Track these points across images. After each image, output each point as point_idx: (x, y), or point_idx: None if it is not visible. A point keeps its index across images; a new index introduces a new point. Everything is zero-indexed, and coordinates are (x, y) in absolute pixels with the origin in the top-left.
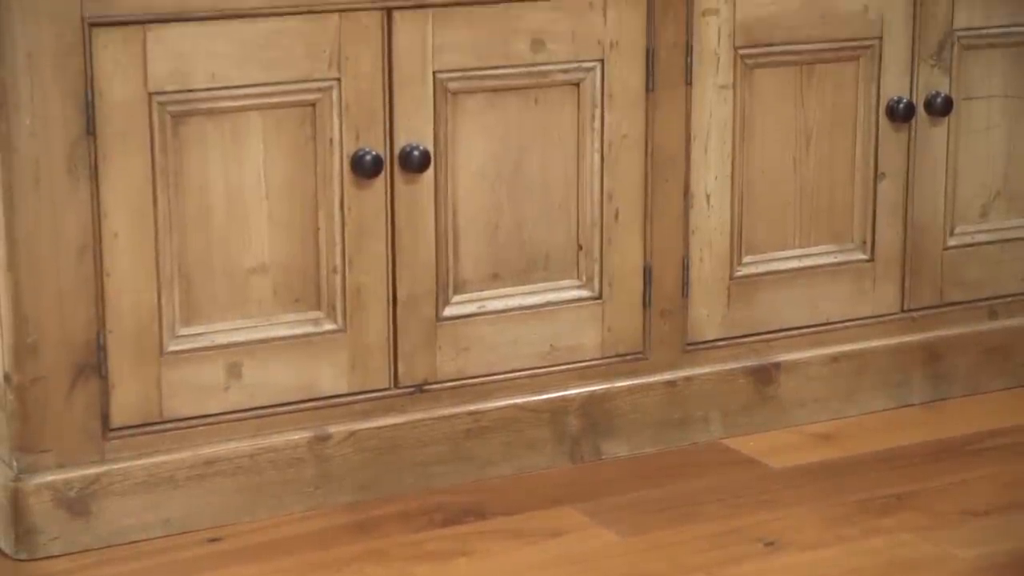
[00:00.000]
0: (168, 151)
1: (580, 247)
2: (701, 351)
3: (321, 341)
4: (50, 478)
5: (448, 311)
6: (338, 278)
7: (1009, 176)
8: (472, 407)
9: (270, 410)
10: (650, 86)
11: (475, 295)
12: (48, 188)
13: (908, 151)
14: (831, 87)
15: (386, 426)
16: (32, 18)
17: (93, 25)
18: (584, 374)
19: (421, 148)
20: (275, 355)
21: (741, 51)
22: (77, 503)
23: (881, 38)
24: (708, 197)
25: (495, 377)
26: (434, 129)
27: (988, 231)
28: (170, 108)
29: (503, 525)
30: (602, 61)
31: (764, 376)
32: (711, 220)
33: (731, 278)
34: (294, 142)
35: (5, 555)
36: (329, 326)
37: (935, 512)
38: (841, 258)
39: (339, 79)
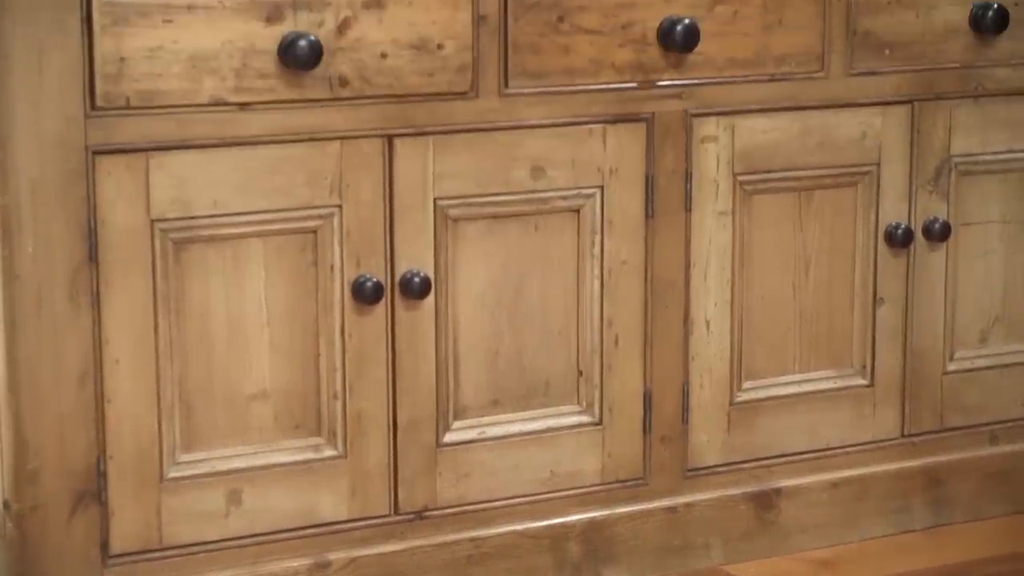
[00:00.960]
0: (170, 277)
1: (580, 373)
2: (701, 477)
3: (321, 468)
4: None
5: (448, 437)
6: (338, 404)
7: (1007, 301)
8: (473, 533)
9: (270, 537)
10: (650, 212)
11: (475, 421)
12: (50, 314)
13: (907, 276)
14: (830, 213)
15: (386, 553)
16: (36, 146)
17: (96, 153)
18: (584, 500)
19: (422, 275)
20: (275, 482)
21: (740, 178)
22: None
23: (879, 164)
24: (708, 323)
25: (496, 503)
26: (435, 255)
27: (987, 356)
28: (172, 235)
29: None
30: (602, 188)
31: (765, 502)
32: (711, 346)
33: (731, 404)
34: (295, 269)
35: None
36: (329, 452)
37: None
38: (841, 383)
39: (340, 206)
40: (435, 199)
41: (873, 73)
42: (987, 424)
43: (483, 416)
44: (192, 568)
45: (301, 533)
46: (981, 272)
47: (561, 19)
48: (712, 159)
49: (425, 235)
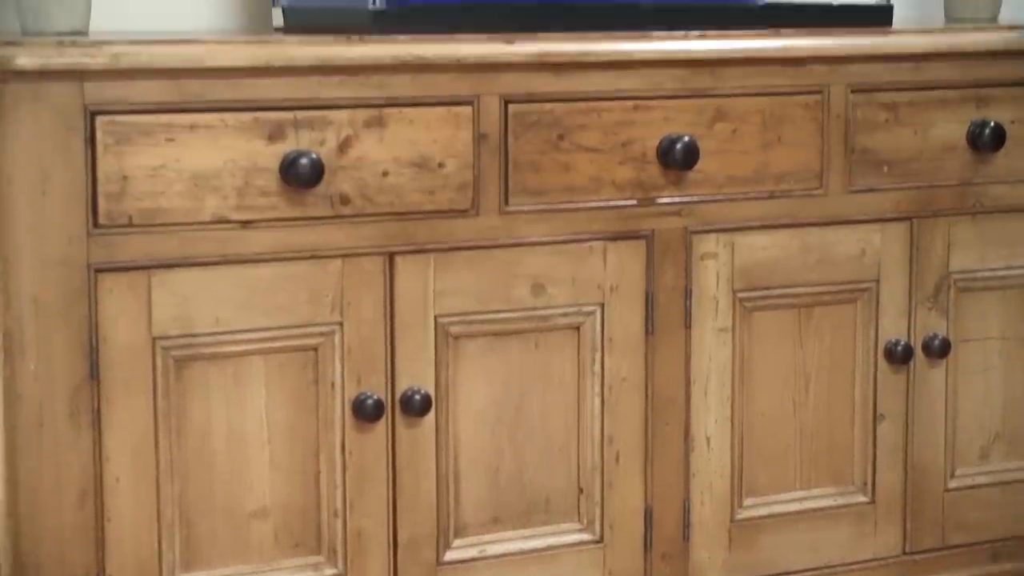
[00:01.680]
0: (171, 395)
1: (581, 490)
2: None
3: None
4: None
5: (449, 555)
6: (339, 522)
7: (1008, 418)
8: None
9: None
10: (650, 329)
11: (476, 539)
12: (51, 432)
13: (907, 393)
14: (829, 329)
15: None
16: (39, 264)
17: (99, 271)
18: None
19: (422, 392)
20: None
21: (740, 294)
22: None
23: (878, 281)
24: (708, 440)
25: None
26: (435, 373)
27: (989, 473)
28: (173, 353)
29: None
30: (602, 305)
31: None
32: (711, 463)
33: (732, 521)
34: (296, 386)
35: None
36: (329, 571)
37: None
38: (842, 501)
39: (341, 323)
40: (436, 316)
41: (872, 190)
42: (989, 541)
43: (484, 534)
44: None
45: None
46: (981, 388)
47: (561, 137)
48: (712, 276)
49: (426, 352)
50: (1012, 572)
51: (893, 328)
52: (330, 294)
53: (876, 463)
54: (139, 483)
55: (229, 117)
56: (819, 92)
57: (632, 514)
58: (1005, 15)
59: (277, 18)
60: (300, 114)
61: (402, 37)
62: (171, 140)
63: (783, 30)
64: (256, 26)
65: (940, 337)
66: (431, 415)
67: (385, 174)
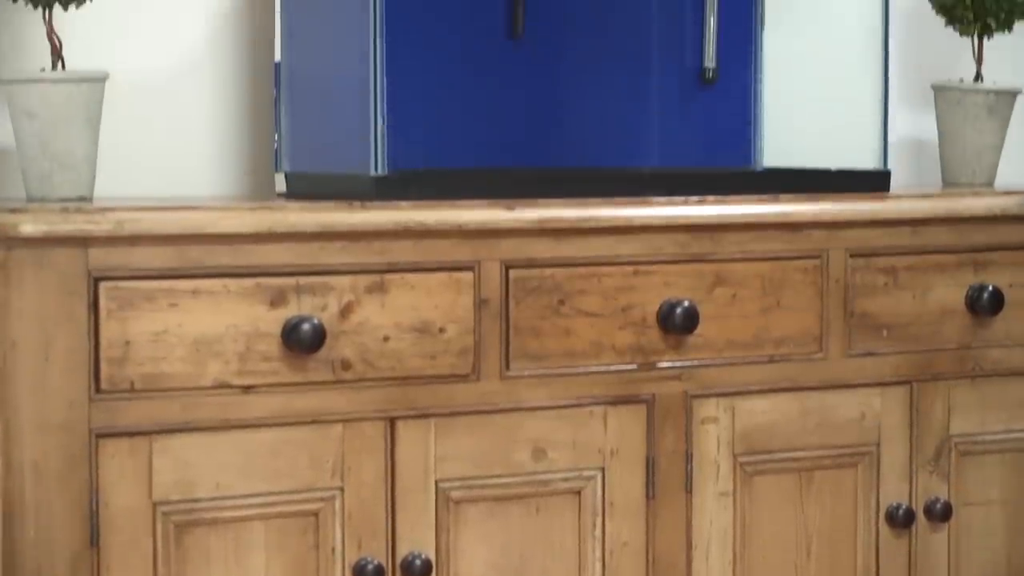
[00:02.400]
0: (171, 562)
1: None
2: None
3: None
4: None
5: None
6: None
7: None
8: None
9: None
10: (651, 494)
11: None
12: None
13: (909, 557)
14: (830, 494)
15: None
16: (40, 429)
17: (100, 436)
18: None
19: (423, 557)
20: None
21: (741, 458)
22: None
23: (879, 444)
24: None
25: None
26: (436, 538)
27: None
28: (174, 518)
29: None
30: (603, 469)
31: None
32: None
33: None
34: (296, 552)
35: None
36: None
37: None
38: None
39: (342, 488)
40: (437, 481)
41: (871, 354)
42: None
43: None
44: None
45: None
46: (983, 553)
47: (562, 302)
48: (712, 440)
49: (427, 517)
50: None
51: (894, 492)
52: (331, 459)
53: None
54: None
55: (231, 283)
56: (818, 257)
57: None
58: (1001, 180)
59: (280, 183)
60: (302, 279)
61: (403, 203)
62: (174, 305)
63: (782, 196)
64: (259, 191)
65: (942, 501)
66: None
67: (386, 339)
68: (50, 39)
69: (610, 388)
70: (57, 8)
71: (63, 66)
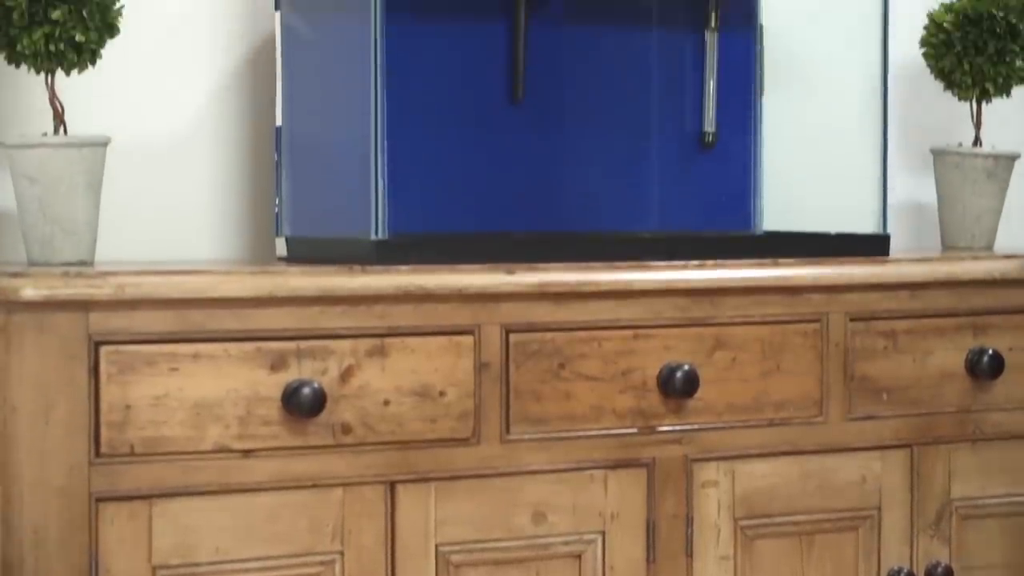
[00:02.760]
0: None
1: None
2: None
3: None
4: None
5: None
6: None
7: None
8: None
9: None
10: (651, 557)
11: None
12: None
13: None
14: (831, 557)
15: None
16: (40, 493)
17: (100, 500)
18: None
19: None
20: None
21: (741, 522)
22: None
23: (879, 508)
24: None
25: None
26: None
27: None
28: None
29: None
30: (603, 533)
31: None
32: None
33: None
34: None
35: None
36: None
37: None
38: None
39: (342, 552)
40: (437, 545)
41: (871, 417)
42: None
43: None
44: None
45: None
46: None
47: (562, 366)
48: (713, 504)
49: None
50: None
51: (895, 556)
52: (331, 523)
53: None
54: None
55: (232, 347)
56: (818, 320)
57: None
58: (1001, 243)
59: (280, 247)
60: (303, 344)
61: (404, 267)
62: (174, 370)
63: (782, 259)
64: (259, 255)
65: (943, 565)
66: None
67: (387, 403)
68: (52, 104)
69: (610, 452)
70: (60, 73)
71: (65, 131)
